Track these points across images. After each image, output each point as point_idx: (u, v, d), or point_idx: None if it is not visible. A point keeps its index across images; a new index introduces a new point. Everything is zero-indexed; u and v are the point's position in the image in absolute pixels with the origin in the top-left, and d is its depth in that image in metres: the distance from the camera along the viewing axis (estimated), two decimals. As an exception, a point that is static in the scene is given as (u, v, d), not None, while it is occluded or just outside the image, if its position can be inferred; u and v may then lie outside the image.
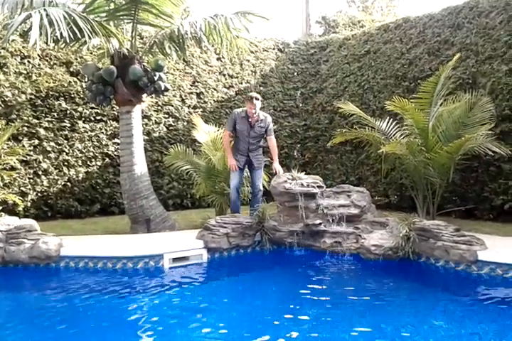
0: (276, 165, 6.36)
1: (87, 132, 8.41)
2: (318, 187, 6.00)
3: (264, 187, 6.62)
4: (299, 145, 10.64)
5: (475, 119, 6.40)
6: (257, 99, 6.18)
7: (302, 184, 5.95)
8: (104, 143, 8.56)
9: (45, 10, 5.09)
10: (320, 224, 5.77)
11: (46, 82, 8.06)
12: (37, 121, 7.95)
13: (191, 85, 9.55)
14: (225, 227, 5.60)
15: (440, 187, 6.52)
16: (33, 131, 7.92)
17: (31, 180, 7.90)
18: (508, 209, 6.67)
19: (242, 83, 10.15)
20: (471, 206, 7.11)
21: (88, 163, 8.44)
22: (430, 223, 5.21)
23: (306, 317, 3.76)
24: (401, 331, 3.46)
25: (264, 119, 6.38)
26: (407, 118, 6.55)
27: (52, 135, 8.09)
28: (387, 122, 7.21)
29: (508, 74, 6.69)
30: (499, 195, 6.78)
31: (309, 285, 4.66)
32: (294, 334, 3.38)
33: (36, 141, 7.94)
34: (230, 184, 6.38)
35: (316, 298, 4.29)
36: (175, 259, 5.20)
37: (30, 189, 7.87)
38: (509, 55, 6.73)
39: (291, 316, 3.77)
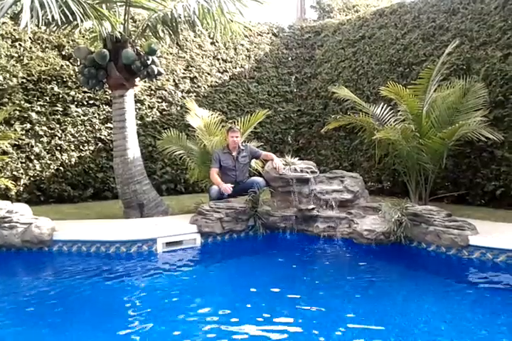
0: (276, 161, 6.07)
1: (79, 116, 8.35)
2: (312, 172, 6.02)
3: (258, 172, 6.62)
4: (293, 131, 10.63)
5: (468, 105, 6.40)
6: (238, 129, 6.39)
7: (296, 169, 5.96)
8: (97, 127, 8.51)
9: (36, -9, 5.00)
10: (313, 209, 5.81)
11: (38, 65, 7.97)
12: (29, 105, 7.88)
13: (185, 69, 9.48)
14: (219, 212, 5.62)
15: (433, 173, 6.55)
16: (25, 115, 7.85)
17: (23, 165, 7.86)
18: (500, 194, 6.73)
19: (236, 68, 10.09)
20: (463, 191, 7.16)
21: (81, 147, 8.40)
22: (422, 208, 5.26)
23: (297, 296, 3.81)
24: (391, 313, 3.51)
25: (244, 149, 6.42)
26: (402, 104, 6.55)
27: (44, 119, 8.02)
28: (381, 108, 7.21)
29: (502, 60, 6.68)
30: (491, 181, 6.83)
31: (301, 269, 4.71)
32: (287, 314, 3.42)
33: (28, 125, 7.88)
34: (210, 197, 6.10)
35: (307, 280, 4.34)
36: (168, 244, 5.22)
37: (22, 173, 7.83)
38: (503, 41, 6.72)
39: (283, 298, 3.82)
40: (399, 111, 6.88)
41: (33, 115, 7.89)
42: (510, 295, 3.86)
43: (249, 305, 3.72)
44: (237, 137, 6.30)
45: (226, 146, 6.39)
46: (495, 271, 4.44)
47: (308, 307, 3.62)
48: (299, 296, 3.89)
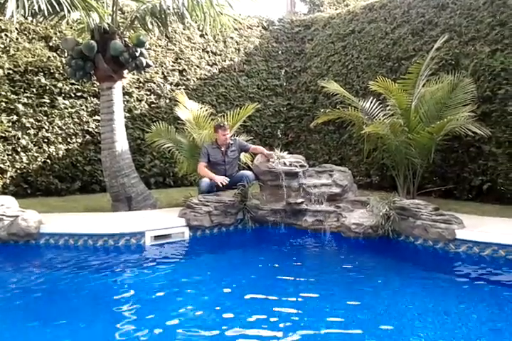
0: (267, 153, 6.16)
1: (67, 108, 8.26)
2: (301, 166, 6.03)
3: (248, 166, 6.61)
4: (282, 125, 10.63)
5: (457, 100, 6.44)
6: (228, 126, 6.34)
7: (285, 163, 5.97)
8: (84, 119, 8.43)
9: (22, -19, 4.92)
10: (302, 202, 5.82)
11: (25, 56, 7.87)
12: (15, 97, 7.78)
13: (174, 62, 9.42)
14: (208, 206, 5.61)
15: (421, 168, 6.59)
16: (12, 107, 7.76)
17: (10, 157, 7.77)
18: (487, 189, 6.79)
19: (225, 61, 10.04)
20: (450, 186, 7.22)
21: (68, 139, 8.32)
22: (410, 202, 5.29)
23: (284, 292, 3.82)
24: (378, 307, 3.53)
25: (233, 143, 6.37)
26: (391, 99, 6.57)
27: (31, 111, 7.93)
28: (371, 102, 7.24)
29: (490, 55, 6.72)
30: (478, 176, 6.89)
31: (289, 263, 4.72)
32: (273, 306, 3.44)
33: (15, 117, 7.78)
34: (200, 189, 6.05)
35: (294, 274, 4.35)
36: (156, 237, 5.20)
37: (9, 166, 7.74)
38: (491, 36, 6.75)
39: (271, 290, 3.83)
40: (388, 105, 6.91)
41: (20, 107, 7.80)
42: (495, 288, 3.91)
43: (237, 297, 3.73)
44: (226, 134, 6.22)
45: (215, 141, 6.34)
46: (481, 264, 4.49)
47: (296, 297, 3.64)
48: (285, 288, 3.91)
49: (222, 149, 6.29)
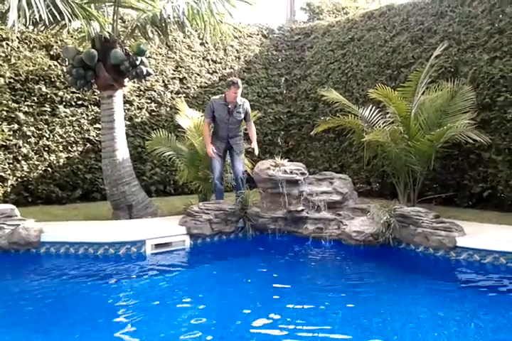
0: (254, 145, 6.43)
1: (67, 117, 8.28)
2: (301, 174, 6.03)
3: (248, 174, 6.63)
4: (282, 133, 10.64)
5: (456, 108, 6.46)
6: (240, 84, 6.20)
7: (285, 171, 5.98)
8: (85, 128, 8.45)
9: (23, -9, 4.96)
10: (302, 210, 5.82)
11: (26, 65, 7.90)
12: (16, 105, 7.80)
13: (174, 70, 9.46)
14: (208, 214, 5.61)
15: (421, 175, 6.60)
16: (13, 116, 7.77)
17: (11, 165, 7.78)
18: (487, 196, 6.79)
19: (225, 69, 10.08)
20: (450, 193, 7.21)
21: (69, 148, 8.33)
22: (410, 209, 5.29)
23: (284, 298, 3.82)
24: (380, 316, 3.52)
25: (242, 104, 6.35)
26: (390, 107, 6.59)
27: (32, 119, 7.95)
28: (370, 110, 7.25)
29: (489, 63, 6.74)
30: (478, 183, 6.88)
31: (290, 271, 4.71)
32: (275, 317, 3.43)
33: (16, 126, 7.79)
34: (213, 173, 6.35)
35: (295, 282, 4.35)
36: (157, 245, 5.20)
37: (9, 174, 7.75)
38: (490, 44, 6.78)
39: (271, 298, 3.82)
40: (387, 113, 6.92)
41: (21, 115, 7.82)
42: (496, 296, 3.90)
43: (237, 307, 3.72)
44: (237, 93, 6.15)
45: (224, 97, 6.28)
46: (482, 271, 4.48)
47: (300, 306, 3.64)
48: (286, 298, 3.90)
49: (229, 106, 6.24)
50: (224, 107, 6.24)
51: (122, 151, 6.66)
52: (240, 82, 6.23)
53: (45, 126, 8.09)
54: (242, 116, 6.38)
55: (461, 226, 4.96)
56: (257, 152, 6.47)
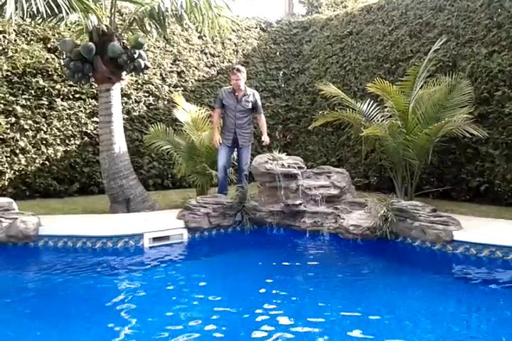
0: (265, 138, 6.51)
1: (65, 110, 8.26)
2: (299, 168, 6.03)
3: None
4: (280, 126, 10.63)
5: (454, 102, 6.46)
6: (238, 70, 6.28)
7: (283, 165, 5.98)
8: (83, 121, 8.43)
9: (20, -17, 4.94)
10: (300, 204, 5.84)
11: (23, 58, 7.86)
12: (14, 99, 7.77)
13: (172, 63, 9.43)
14: (206, 207, 5.62)
15: (418, 169, 6.61)
16: (10, 109, 7.75)
17: (8, 159, 7.76)
18: (484, 190, 6.81)
19: (223, 62, 10.05)
20: (448, 187, 7.24)
21: (67, 141, 8.32)
22: (408, 203, 5.31)
23: (283, 293, 3.84)
24: (376, 308, 3.54)
25: (251, 94, 6.43)
26: (388, 101, 6.59)
27: (29, 113, 7.92)
28: (368, 104, 7.24)
29: (487, 57, 6.74)
30: (475, 177, 6.91)
31: (288, 264, 4.73)
32: (271, 307, 3.46)
33: (13, 119, 7.77)
34: (218, 163, 6.40)
35: (293, 275, 4.37)
36: (155, 239, 5.22)
37: (7, 168, 7.74)
38: (489, 38, 6.77)
39: (269, 292, 3.84)
40: (385, 107, 6.91)
41: (18, 109, 7.79)
42: (493, 289, 3.92)
43: (236, 301, 3.74)
44: (238, 80, 6.26)
45: (232, 86, 6.44)
46: (478, 265, 4.51)
47: (295, 299, 3.66)
48: (283, 291, 3.91)
49: (237, 94, 6.34)
50: (232, 96, 6.36)
51: (120, 145, 6.65)
52: (238, 67, 6.35)
53: (43, 120, 8.06)
54: (250, 105, 6.42)
55: (458, 220, 4.98)
56: (268, 141, 6.53)
